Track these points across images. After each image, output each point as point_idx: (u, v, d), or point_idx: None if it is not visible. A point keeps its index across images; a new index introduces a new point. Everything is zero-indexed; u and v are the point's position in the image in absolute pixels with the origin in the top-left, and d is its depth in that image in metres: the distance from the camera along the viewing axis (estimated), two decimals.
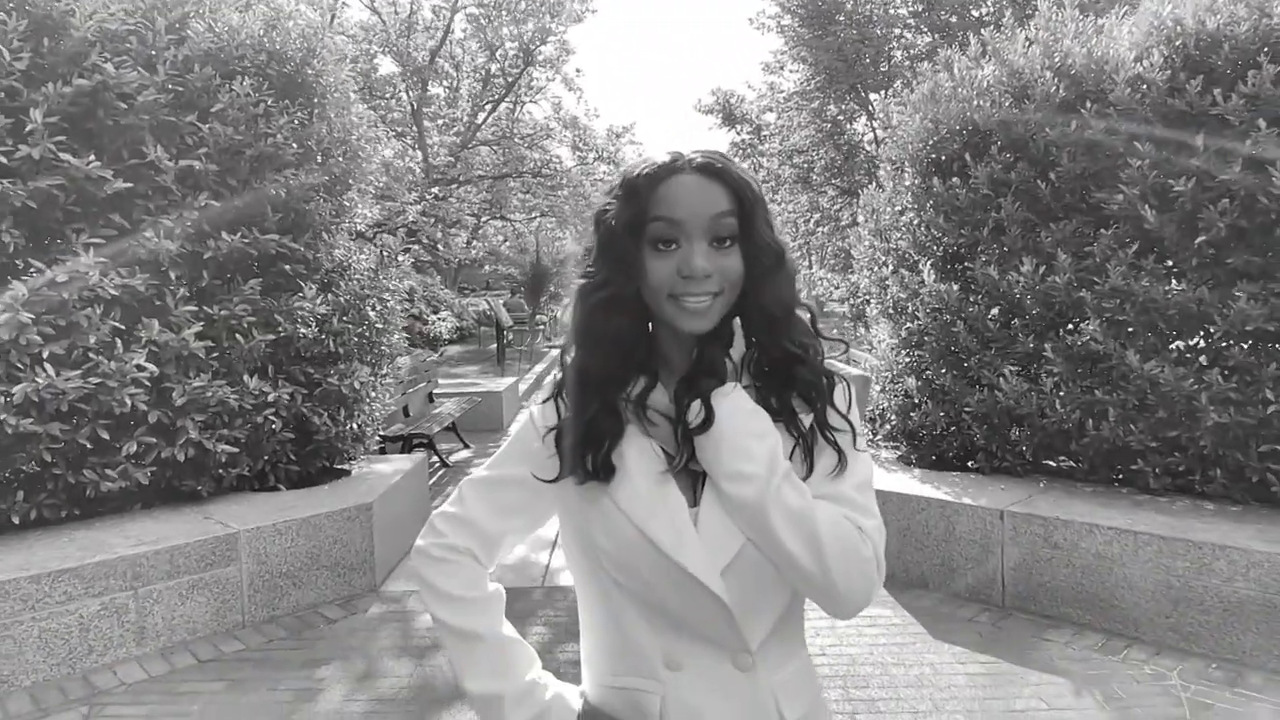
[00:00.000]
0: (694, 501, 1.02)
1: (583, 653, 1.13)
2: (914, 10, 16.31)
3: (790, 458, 1.01)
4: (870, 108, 15.73)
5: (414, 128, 21.15)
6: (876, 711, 3.04)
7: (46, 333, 3.64)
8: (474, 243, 24.99)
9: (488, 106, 23.31)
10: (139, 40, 4.09)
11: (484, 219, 25.68)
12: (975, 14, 15.36)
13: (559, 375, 1.10)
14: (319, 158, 4.80)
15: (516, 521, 1.13)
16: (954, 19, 15.35)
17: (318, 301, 4.63)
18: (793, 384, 1.03)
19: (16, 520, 3.77)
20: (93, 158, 3.78)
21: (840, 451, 1.03)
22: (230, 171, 4.32)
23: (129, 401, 3.79)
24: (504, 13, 21.62)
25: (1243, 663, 3.29)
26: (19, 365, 3.59)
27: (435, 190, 15.89)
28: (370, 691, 3.27)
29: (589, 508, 1.04)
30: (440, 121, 23.51)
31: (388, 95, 19.88)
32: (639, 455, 1.03)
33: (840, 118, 16.91)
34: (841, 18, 16.00)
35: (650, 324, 1.05)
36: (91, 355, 3.76)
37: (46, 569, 3.36)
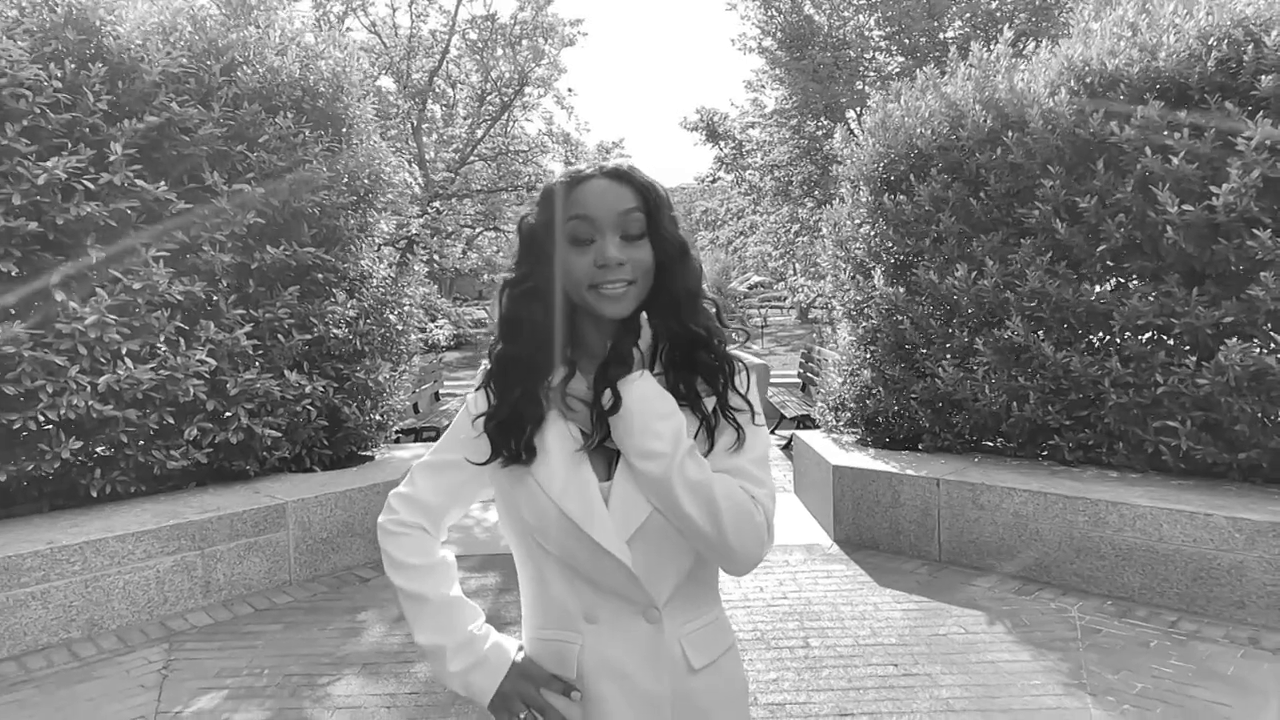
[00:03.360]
0: (608, 476, 1.15)
1: (521, 609, 1.27)
2: (886, 33, 17.13)
3: (695, 436, 1.14)
4: (848, 126, 16.54)
5: (410, 144, 21.83)
6: (825, 635, 3.70)
7: (124, 332, 4.27)
8: (469, 253, 25.66)
9: (484, 124, 24.04)
10: (197, 81, 4.74)
11: (479, 231, 26.38)
12: (942, 36, 16.19)
13: (487, 365, 1.19)
14: (346, 179, 5.45)
15: (458, 497, 1.26)
16: (923, 39, 16.18)
17: (347, 305, 5.28)
18: (696, 367, 1.16)
19: (95, 494, 4.39)
20: (162, 183, 4.42)
21: (740, 429, 1.16)
22: (273, 193, 4.97)
23: (191, 391, 4.43)
24: (499, 36, 22.39)
25: (1131, 599, 3.97)
26: (102, 360, 4.23)
27: (436, 204, 16.57)
28: (405, 630, 3.90)
29: (516, 485, 1.15)
30: (436, 138, 24.23)
31: (392, 115, 20.57)
32: (558, 438, 1.14)
33: (819, 133, 17.70)
34: (820, 39, 16.80)
35: (573, 317, 1.15)
36: (160, 351, 4.40)
37: (129, 530, 3.99)
